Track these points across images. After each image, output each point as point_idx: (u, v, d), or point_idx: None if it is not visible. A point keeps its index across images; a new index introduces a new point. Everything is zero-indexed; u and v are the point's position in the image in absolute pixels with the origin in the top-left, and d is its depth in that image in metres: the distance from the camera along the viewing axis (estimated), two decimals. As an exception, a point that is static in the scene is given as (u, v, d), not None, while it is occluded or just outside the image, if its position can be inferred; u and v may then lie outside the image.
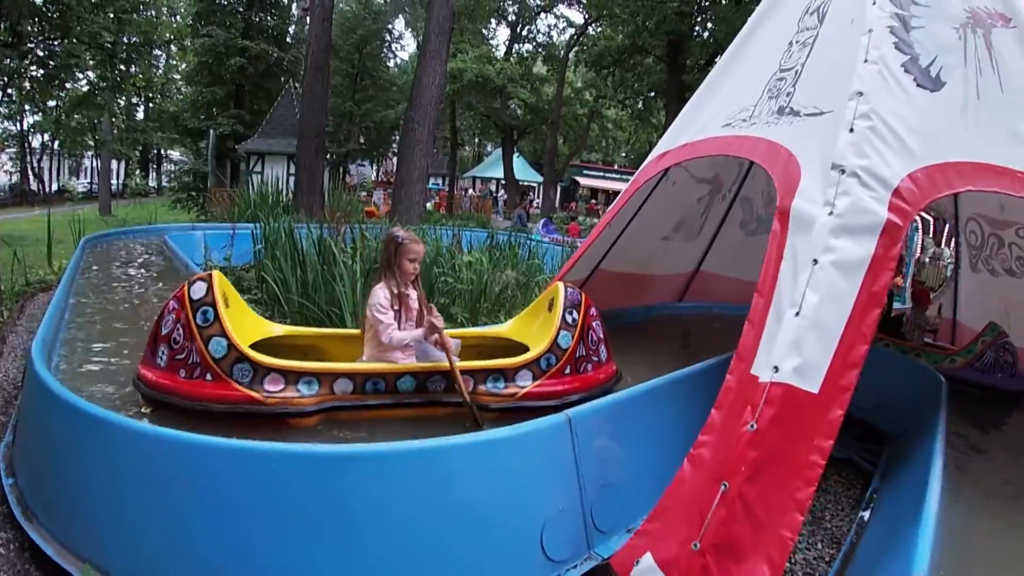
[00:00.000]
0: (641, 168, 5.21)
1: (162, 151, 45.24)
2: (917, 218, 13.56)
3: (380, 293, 3.32)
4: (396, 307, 3.36)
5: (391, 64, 38.82)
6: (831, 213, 2.78)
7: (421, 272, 6.12)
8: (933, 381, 4.53)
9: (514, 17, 31.52)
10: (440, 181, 37.89)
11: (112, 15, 13.02)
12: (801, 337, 2.56)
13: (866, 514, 3.45)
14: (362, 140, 36.80)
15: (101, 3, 12.10)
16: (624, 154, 50.46)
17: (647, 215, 5.59)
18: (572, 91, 33.08)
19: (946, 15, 3.64)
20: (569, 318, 3.71)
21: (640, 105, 29.21)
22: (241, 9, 23.72)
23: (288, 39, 25.74)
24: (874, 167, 2.91)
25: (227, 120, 22.03)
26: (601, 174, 43.18)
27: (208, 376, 3.01)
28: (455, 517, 2.43)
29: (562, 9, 31.13)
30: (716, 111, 4.42)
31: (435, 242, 7.73)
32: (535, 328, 3.91)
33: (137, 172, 47.24)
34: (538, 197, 36.40)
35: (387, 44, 37.12)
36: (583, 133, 34.86)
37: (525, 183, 37.50)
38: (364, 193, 29.57)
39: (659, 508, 2.65)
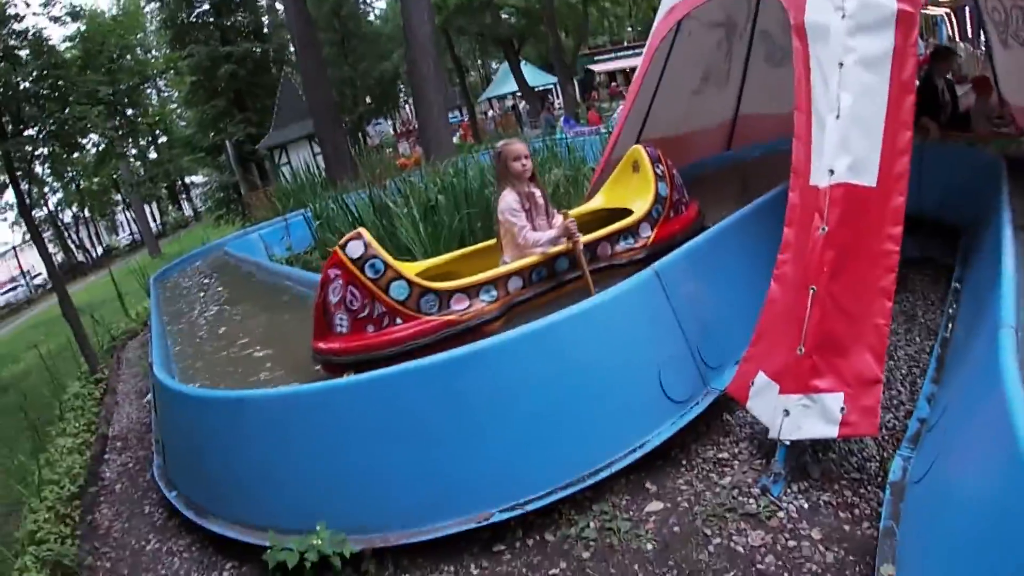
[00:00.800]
0: (653, 28, 5.19)
1: (184, 179, 45.98)
2: (943, 11, 12.94)
3: (509, 197, 3.49)
4: (526, 206, 3.52)
5: (371, 18, 38.13)
6: (843, 16, 2.83)
7: (470, 203, 6.36)
8: (992, 165, 4.46)
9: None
10: (458, 113, 37.41)
11: (103, 68, 13.37)
12: (846, 136, 2.67)
13: (954, 306, 3.58)
14: (368, 100, 36.59)
15: (89, 60, 12.42)
16: (630, 28, 48.61)
17: (672, 74, 5.56)
18: (558, -21, 31.75)
19: None
20: (659, 171, 4.07)
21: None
22: (211, 19, 23.70)
23: (265, 31, 25.60)
24: (878, -38, 2.92)
25: (237, 127, 22.32)
26: (613, 55, 41.67)
27: (398, 320, 3.20)
28: (575, 384, 2.74)
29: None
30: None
31: (477, 166, 7.85)
32: (629, 190, 4.23)
33: (170, 207, 48.31)
34: (558, 97, 35.56)
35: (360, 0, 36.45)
36: (582, 21, 33.62)
37: (541, 88, 36.63)
38: (389, 150, 29.68)
39: (759, 331, 2.87)
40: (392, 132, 42.05)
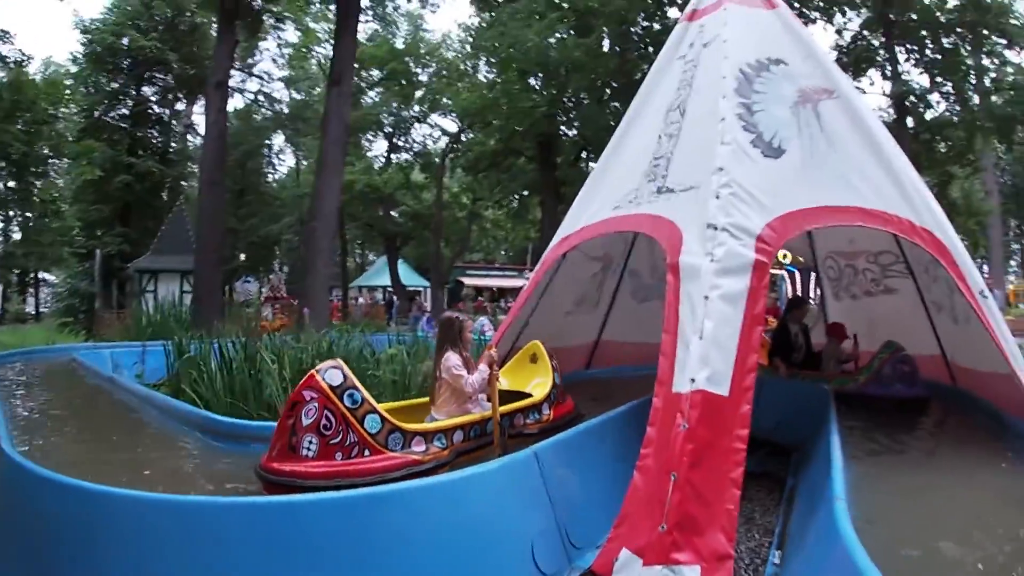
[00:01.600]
0: (546, 252, 6.02)
1: (36, 273, 42.75)
2: (784, 272, 15.36)
3: (453, 359, 4.15)
4: (466, 367, 4.21)
5: (270, 179, 39.26)
6: (712, 260, 3.62)
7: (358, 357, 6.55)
8: (822, 395, 5.38)
9: (391, 128, 32.92)
10: (328, 292, 37.80)
11: (22, 127, 13.02)
12: (707, 354, 3.32)
13: (787, 507, 4.19)
14: (242, 256, 36.51)
15: (11, 113, 12.11)
16: (503, 251, 52.46)
17: (552, 294, 6.37)
18: (450, 195, 34.46)
19: (780, 97, 4.73)
20: (554, 364, 4.95)
21: (516, 203, 30.94)
22: (126, 126, 23.66)
23: (171, 155, 25.87)
24: (739, 222, 3.81)
25: (114, 239, 21.62)
26: (484, 272, 44.72)
27: (366, 452, 3.35)
28: (464, 539, 2.94)
29: (436, 118, 32.88)
30: (605, 197, 5.34)
31: (347, 345, 8.07)
32: (525, 377, 5.02)
33: (16, 296, 44.33)
34: (426, 301, 37.10)
35: (267, 160, 37.68)
36: (464, 235, 36.22)
37: (412, 288, 38.22)
38: (250, 310, 29.22)
39: (622, 515, 3.27)
40: (259, 294, 41.57)
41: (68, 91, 25.74)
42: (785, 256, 13.01)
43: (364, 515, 2.76)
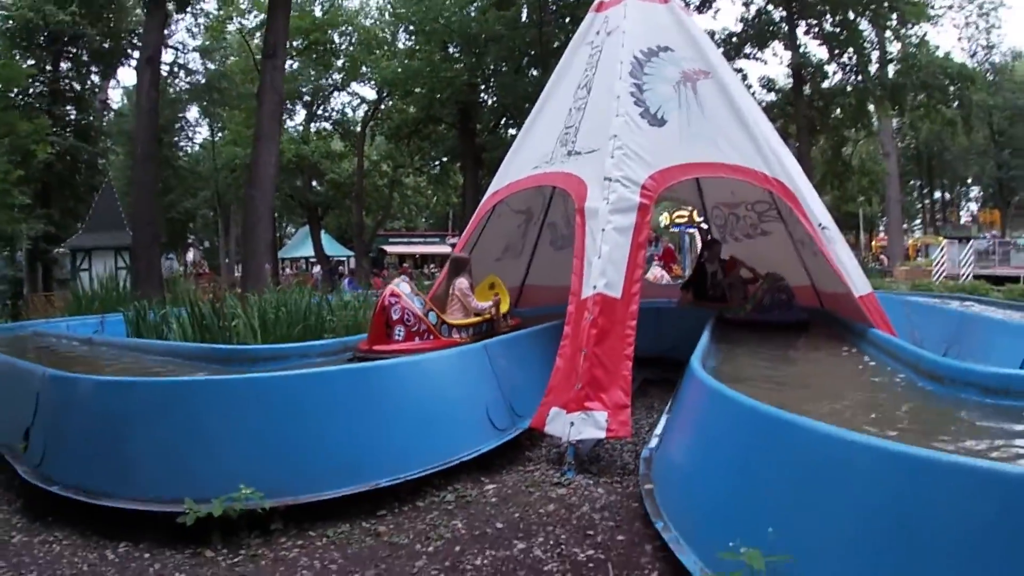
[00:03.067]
0: (480, 205, 7.16)
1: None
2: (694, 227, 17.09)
3: (464, 282, 5.85)
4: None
5: (185, 152, 38.47)
6: (607, 203, 4.89)
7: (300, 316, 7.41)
8: (706, 318, 6.67)
9: (309, 97, 32.98)
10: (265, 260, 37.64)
11: None
12: (604, 268, 4.62)
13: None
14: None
15: None
16: (425, 219, 52.87)
17: (484, 242, 7.50)
18: (371, 164, 34.54)
19: (665, 78, 6.00)
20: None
21: (437, 170, 31.75)
22: (45, 103, 22.96)
23: (91, 132, 25.27)
24: (628, 174, 5.08)
25: (37, 221, 21.28)
26: (407, 240, 45.27)
27: (430, 336, 5.10)
28: (439, 401, 4.23)
29: (355, 87, 33.09)
30: (527, 158, 6.54)
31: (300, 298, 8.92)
32: (487, 298, 6.33)
33: None
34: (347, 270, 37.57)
35: (183, 133, 36.96)
36: (386, 203, 36.68)
37: (335, 258, 38.53)
38: (184, 285, 29.06)
39: (549, 388, 4.54)
40: (180, 271, 41.00)
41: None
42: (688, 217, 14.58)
43: (374, 379, 4.05)
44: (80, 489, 3.69)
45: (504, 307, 6.40)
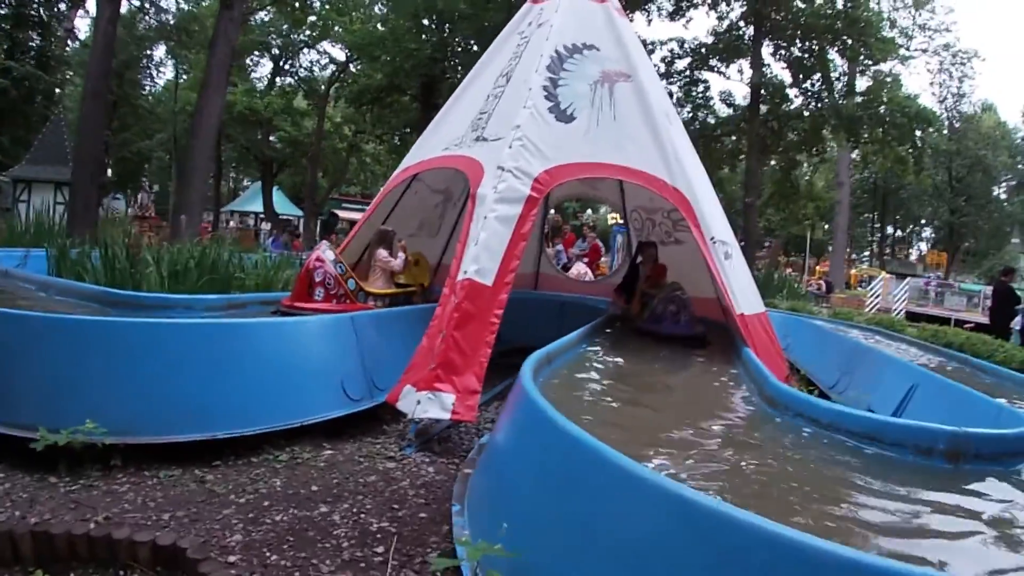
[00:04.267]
0: (389, 180, 7.18)
1: None
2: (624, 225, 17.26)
3: (383, 253, 6.54)
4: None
5: (147, 91, 37.48)
6: (495, 191, 4.96)
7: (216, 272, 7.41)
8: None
9: (278, 51, 32.41)
10: (201, 212, 36.99)
11: None
12: (478, 255, 4.69)
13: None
14: (109, 172, 35.06)
15: None
16: (381, 186, 52.31)
17: (396, 217, 7.56)
18: (332, 126, 34.34)
19: (584, 75, 6.08)
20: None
21: (397, 140, 31.50)
22: (6, 27, 22.27)
23: (51, 62, 24.46)
24: (522, 166, 5.16)
25: None
26: (360, 206, 44.64)
27: (347, 300, 5.80)
28: (290, 364, 4.27)
29: (325, 46, 32.61)
30: (440, 139, 6.60)
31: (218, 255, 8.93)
32: (410, 274, 7.14)
33: None
34: (298, 230, 37.15)
35: (146, 72, 35.94)
36: (343, 167, 36.28)
37: (285, 216, 38.04)
38: (124, 227, 28.42)
39: (410, 365, 4.62)
40: (126, 213, 40.02)
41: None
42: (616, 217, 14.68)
43: (228, 337, 4.14)
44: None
45: (425, 282, 6.92)
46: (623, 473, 2.03)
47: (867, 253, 57.71)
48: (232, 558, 2.72)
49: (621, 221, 21.04)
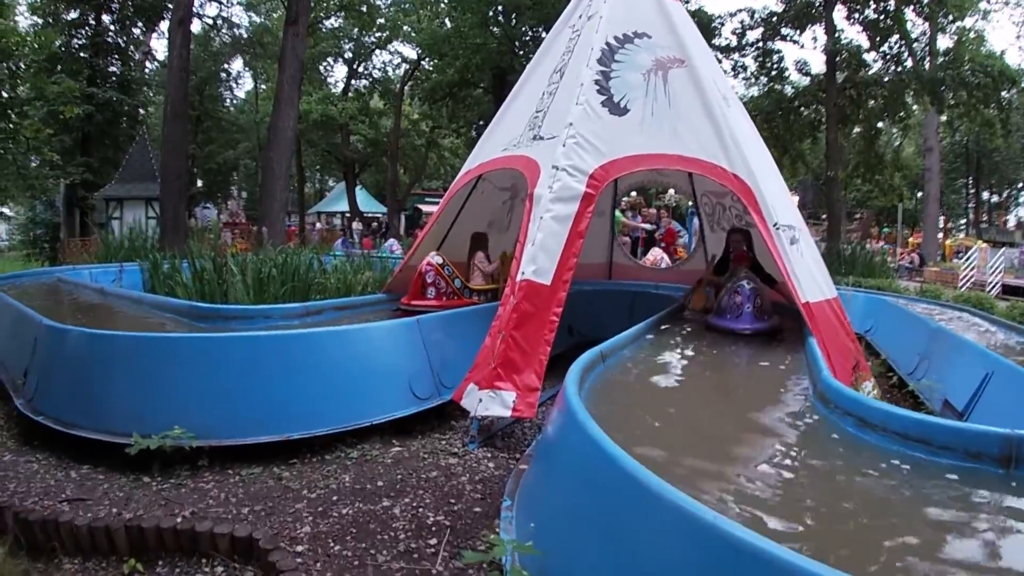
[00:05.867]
0: (454, 183, 7.36)
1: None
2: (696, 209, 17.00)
3: (480, 255, 7.26)
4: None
5: (228, 103, 39.22)
6: (551, 191, 5.04)
7: (298, 278, 7.77)
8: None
9: (351, 55, 33.29)
10: (287, 217, 38.49)
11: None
12: (535, 255, 4.79)
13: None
14: (199, 183, 36.91)
15: None
16: (462, 180, 52.86)
17: (465, 217, 7.74)
18: (409, 123, 35.00)
19: (636, 65, 6.06)
20: None
21: (473, 132, 31.80)
22: (87, 55, 23.69)
23: (131, 84, 26.00)
24: (576, 164, 5.22)
25: (76, 169, 22.08)
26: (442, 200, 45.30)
27: (455, 297, 6.67)
28: (360, 367, 4.54)
29: (396, 45, 33.28)
30: (498, 140, 6.73)
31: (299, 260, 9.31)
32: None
33: None
34: (382, 227, 38.03)
35: (226, 84, 37.65)
36: (421, 162, 36.99)
37: (370, 214, 39.05)
38: (211, 236, 29.87)
39: (475, 364, 4.77)
40: (218, 220, 42.00)
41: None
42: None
43: (296, 346, 4.42)
44: (59, 420, 4.33)
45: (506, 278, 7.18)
46: (651, 493, 2.01)
47: (963, 222, 54.40)
48: (300, 548, 2.97)
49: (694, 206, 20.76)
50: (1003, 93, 20.75)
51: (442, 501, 3.50)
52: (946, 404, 5.72)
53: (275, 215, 14.69)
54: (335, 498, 3.54)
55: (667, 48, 6.26)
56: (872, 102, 23.04)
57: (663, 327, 5.96)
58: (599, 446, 2.34)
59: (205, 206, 41.02)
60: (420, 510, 3.38)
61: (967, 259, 25.00)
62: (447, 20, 25.82)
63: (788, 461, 2.88)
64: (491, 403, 4.40)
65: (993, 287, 21.97)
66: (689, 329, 6.02)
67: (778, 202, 6.01)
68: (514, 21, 23.05)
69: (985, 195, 52.52)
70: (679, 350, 5.25)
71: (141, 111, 27.93)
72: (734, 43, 23.80)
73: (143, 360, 4.26)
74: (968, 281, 23.06)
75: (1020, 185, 50.53)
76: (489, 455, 4.28)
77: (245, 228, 26.08)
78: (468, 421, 4.73)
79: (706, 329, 5.90)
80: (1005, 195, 53.59)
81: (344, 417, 4.32)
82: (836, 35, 22.11)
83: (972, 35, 22.55)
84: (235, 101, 40.47)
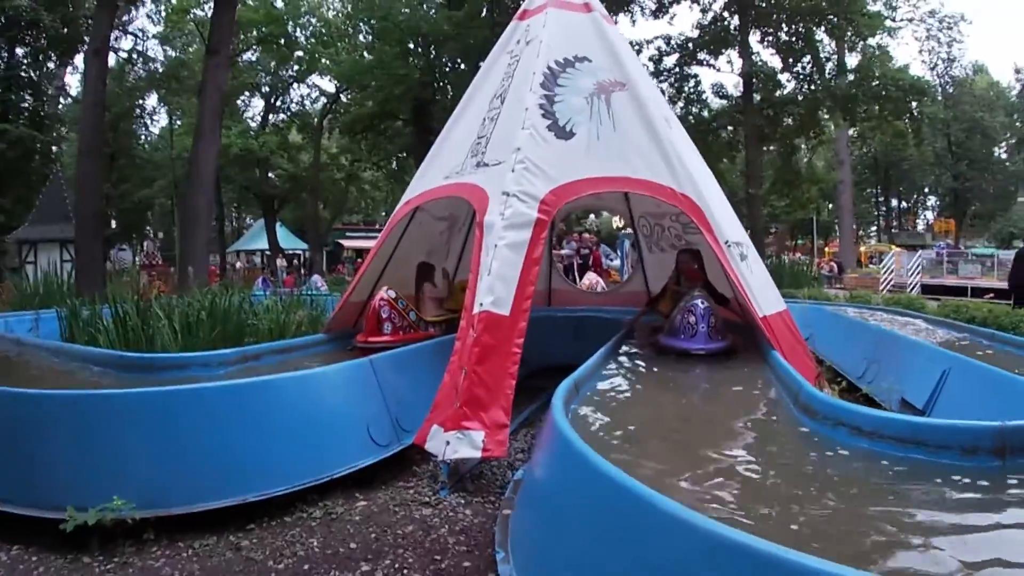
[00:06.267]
0: (393, 213, 7.13)
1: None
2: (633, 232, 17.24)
3: (429, 287, 7.23)
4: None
5: (143, 140, 37.81)
6: (503, 218, 4.88)
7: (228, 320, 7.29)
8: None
9: (268, 89, 32.60)
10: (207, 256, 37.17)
11: None
12: (492, 285, 4.60)
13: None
14: (114, 224, 35.30)
15: None
16: (383, 213, 52.58)
17: (404, 248, 7.45)
18: (328, 157, 34.44)
19: (579, 89, 5.99)
20: None
21: (394, 165, 31.61)
22: None
23: (45, 120, 24.65)
24: (527, 189, 5.08)
25: None
26: (364, 234, 44.80)
27: (412, 331, 6.49)
28: (315, 417, 4.18)
29: (315, 79, 32.78)
30: (439, 168, 6.54)
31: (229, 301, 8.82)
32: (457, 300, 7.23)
33: None
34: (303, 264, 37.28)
35: (140, 121, 36.26)
36: (342, 197, 36.37)
37: (291, 251, 38.14)
38: (126, 279, 28.61)
39: (435, 404, 4.52)
40: (134, 263, 40.36)
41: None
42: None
43: (248, 396, 4.00)
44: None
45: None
46: (672, 519, 1.93)
47: (874, 228, 57.35)
48: (278, 635, 2.64)
49: (627, 227, 21.11)
50: (913, 104, 21.96)
51: (426, 559, 3.24)
52: (904, 403, 5.85)
53: (198, 254, 13.99)
54: (307, 567, 3.21)
55: (607, 71, 6.25)
56: (788, 120, 24.00)
57: (621, 353, 5.85)
58: (624, 488, 2.15)
59: (121, 248, 39.34)
60: (405, 572, 3.11)
61: (884, 263, 26.22)
62: (366, 53, 25.58)
63: (800, 479, 2.81)
64: (460, 445, 4.15)
65: (913, 287, 23.18)
66: (642, 352, 5.85)
67: (724, 220, 6.05)
68: (433, 53, 23.02)
69: (894, 202, 55.62)
70: (645, 374, 5.13)
71: (55, 148, 26.54)
72: (651, 68, 24.42)
73: (75, 421, 3.77)
74: (888, 284, 24.18)
75: (926, 190, 53.75)
76: (463, 501, 4.03)
77: (163, 269, 25.11)
78: (434, 465, 4.48)
79: (657, 351, 5.72)
80: (913, 201, 56.91)
81: (304, 472, 3.97)
82: (751, 58, 23.00)
83: (878, 52, 23.78)
84: (151, 138, 39.05)
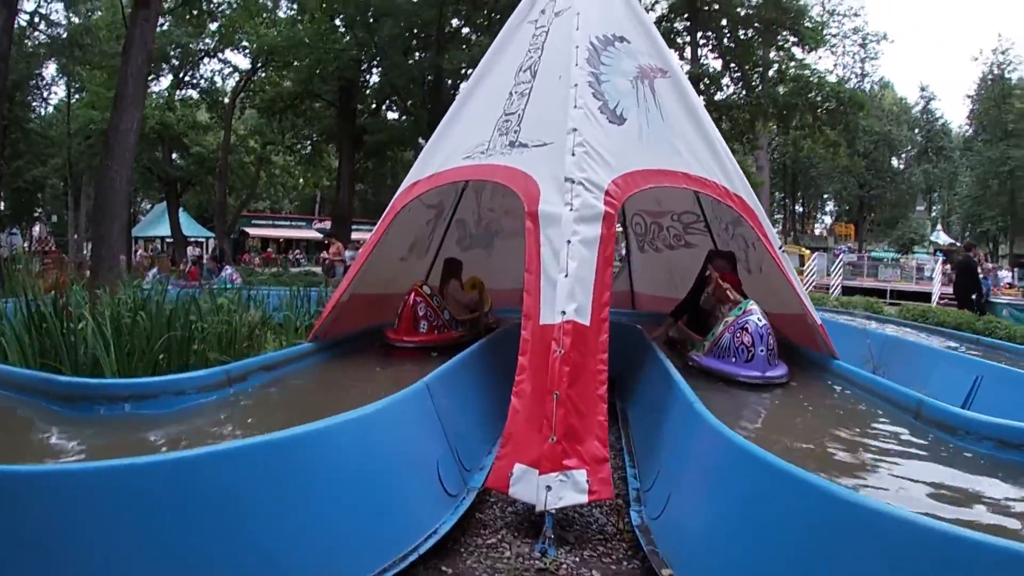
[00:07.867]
0: (395, 197, 6.09)
1: None
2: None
3: (455, 284, 6.89)
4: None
5: (39, 112, 34.34)
6: (571, 209, 4.09)
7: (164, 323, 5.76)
8: (635, 332, 6.37)
9: (177, 62, 30.09)
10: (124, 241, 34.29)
11: None
12: (572, 290, 3.80)
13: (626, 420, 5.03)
14: (2, 205, 31.97)
15: None
16: (290, 201, 50.28)
17: (388, 240, 6.21)
18: (237, 138, 31.78)
19: (623, 71, 5.25)
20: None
21: (309, 149, 29.94)
22: None
23: None
24: (591, 177, 4.29)
25: None
26: (271, 222, 42.70)
27: (445, 330, 6.15)
28: (382, 473, 3.13)
29: (228, 54, 30.52)
30: (456, 146, 5.57)
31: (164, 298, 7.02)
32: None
33: None
34: (206, 252, 34.85)
35: (37, 92, 32.80)
36: (251, 182, 34.03)
37: (194, 239, 35.68)
38: (19, 266, 25.78)
39: (506, 435, 3.65)
40: (23, 248, 36.61)
41: None
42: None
43: (287, 457, 2.71)
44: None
45: (485, 306, 7.10)
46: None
47: (777, 231, 60.21)
48: None
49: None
50: (849, 116, 22.68)
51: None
52: None
53: (113, 238, 12.12)
54: None
55: (647, 55, 5.57)
56: (726, 124, 24.22)
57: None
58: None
59: (12, 232, 35.64)
60: None
61: (808, 266, 27.04)
62: (294, 26, 23.84)
63: (983, 505, 2.62)
64: (563, 489, 3.33)
65: (834, 289, 24.09)
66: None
67: (767, 222, 5.62)
68: (365, 31, 21.58)
69: (797, 207, 58.46)
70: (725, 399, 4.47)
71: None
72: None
73: (28, 515, 2.21)
74: (810, 285, 24.89)
75: (826, 196, 56.89)
76: (576, 557, 3.21)
77: (56, 255, 22.74)
78: (502, 510, 3.65)
79: (686, 371, 4.90)
80: (811, 206, 60.04)
81: (381, 552, 2.88)
82: (700, 61, 23.10)
83: (794, 63, 24.41)
84: (47, 111, 35.51)
